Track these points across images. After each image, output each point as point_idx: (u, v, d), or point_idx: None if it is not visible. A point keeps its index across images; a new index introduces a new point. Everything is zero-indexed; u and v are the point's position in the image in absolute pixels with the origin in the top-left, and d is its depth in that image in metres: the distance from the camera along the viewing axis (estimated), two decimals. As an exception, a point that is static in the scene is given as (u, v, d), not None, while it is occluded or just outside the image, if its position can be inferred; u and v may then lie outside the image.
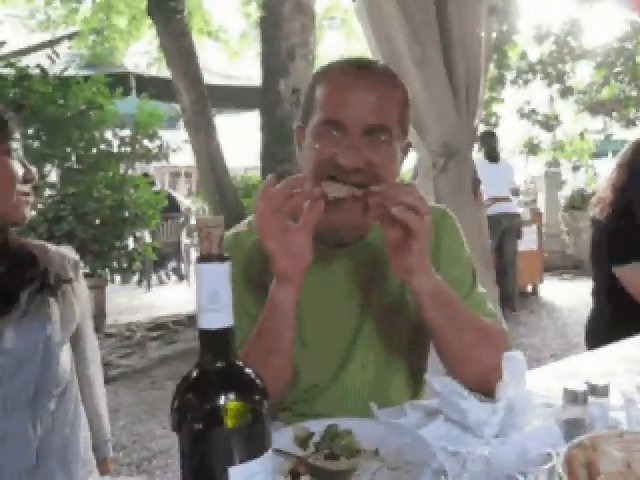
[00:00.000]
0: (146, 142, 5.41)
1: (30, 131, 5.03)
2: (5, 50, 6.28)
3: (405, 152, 1.10)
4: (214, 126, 4.80)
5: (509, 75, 8.60)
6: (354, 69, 1.05)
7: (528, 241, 6.25)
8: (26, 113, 4.74)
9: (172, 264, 7.89)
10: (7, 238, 1.07)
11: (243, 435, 0.51)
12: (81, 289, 1.18)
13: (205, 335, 0.52)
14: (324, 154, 1.01)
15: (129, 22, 7.29)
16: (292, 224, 0.95)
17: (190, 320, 5.56)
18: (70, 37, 7.88)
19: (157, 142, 5.39)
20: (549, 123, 9.04)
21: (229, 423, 0.51)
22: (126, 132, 5.33)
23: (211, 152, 4.74)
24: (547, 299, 6.38)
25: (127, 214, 5.04)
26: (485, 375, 1.01)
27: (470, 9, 2.72)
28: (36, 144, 5.07)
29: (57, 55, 5.26)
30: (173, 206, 7.00)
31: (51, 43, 7.65)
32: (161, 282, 7.80)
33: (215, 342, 0.52)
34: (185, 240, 7.89)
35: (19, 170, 1.09)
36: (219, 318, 0.52)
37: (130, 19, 7.24)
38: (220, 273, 0.51)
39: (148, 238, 6.44)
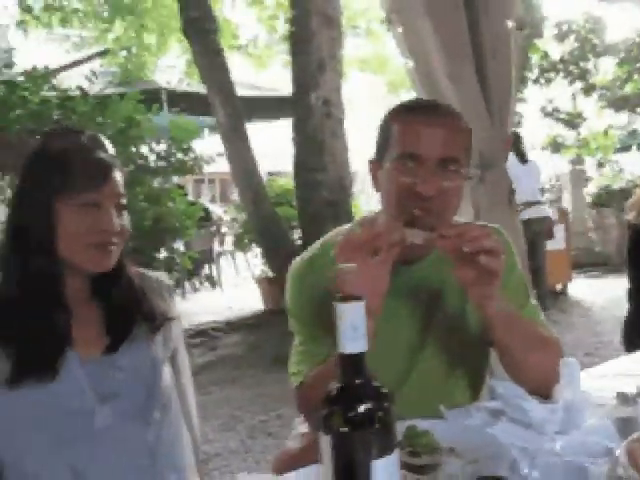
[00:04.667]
0: (180, 155, 5.60)
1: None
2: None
3: (466, 179, 1.24)
4: (248, 138, 4.98)
5: (531, 74, 8.65)
6: (425, 109, 1.21)
7: (556, 240, 6.31)
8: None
9: (205, 271, 8.11)
10: (122, 269, 1.23)
11: (380, 435, 0.66)
12: (176, 311, 1.34)
13: (346, 358, 0.67)
14: (403, 183, 1.15)
15: (157, 38, 7.52)
16: (372, 259, 1.09)
17: (228, 326, 5.74)
18: (101, 55, 8.15)
19: (191, 155, 5.58)
20: (573, 121, 9.07)
21: (369, 426, 0.66)
22: (162, 147, 5.53)
23: (246, 163, 4.92)
24: (577, 297, 6.44)
25: (166, 226, 5.24)
26: (545, 380, 1.14)
27: (500, 24, 2.84)
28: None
29: (95, 75, 5.49)
30: (205, 215, 7.22)
31: (83, 61, 7.92)
32: (195, 289, 8.02)
33: (354, 363, 0.67)
34: (217, 248, 8.09)
35: (109, 221, 1.13)
36: (358, 345, 0.66)
37: (158, 35, 7.47)
38: (358, 310, 0.66)
39: (182, 247, 6.65)
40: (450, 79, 2.72)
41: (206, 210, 7.29)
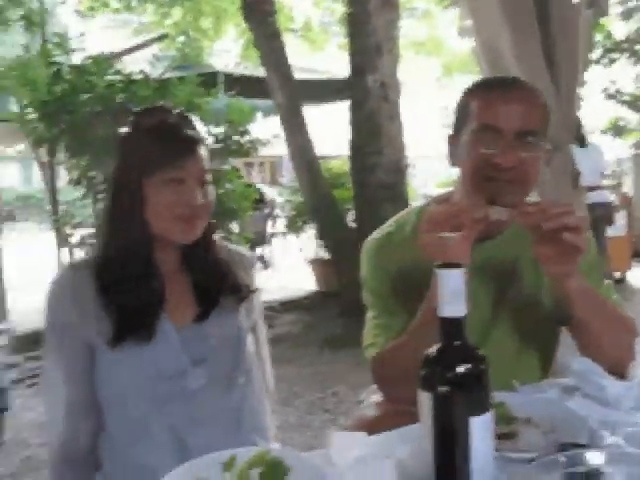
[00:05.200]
0: (237, 138, 5.70)
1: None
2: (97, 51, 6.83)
3: (545, 152, 1.25)
4: (305, 120, 5.03)
5: (594, 54, 8.36)
6: (503, 84, 1.24)
7: (616, 227, 6.13)
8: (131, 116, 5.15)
9: (258, 253, 8.26)
10: (209, 242, 1.30)
11: (477, 394, 0.70)
12: (257, 283, 1.41)
13: (446, 322, 0.71)
14: (482, 154, 1.18)
15: (213, 22, 7.66)
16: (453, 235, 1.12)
17: (282, 307, 5.85)
18: (158, 40, 8.33)
19: (248, 137, 5.68)
20: (636, 103, 8.73)
21: (468, 385, 0.70)
22: (220, 129, 5.64)
23: (303, 146, 4.98)
24: (637, 286, 6.26)
25: (223, 207, 5.36)
26: (621, 358, 1.16)
27: (569, 1, 2.78)
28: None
29: (157, 59, 5.65)
30: (260, 197, 7.35)
31: (142, 47, 8.13)
32: (248, 270, 8.16)
33: (454, 326, 0.71)
34: (270, 229, 8.23)
35: (193, 195, 1.20)
36: (458, 309, 0.71)
37: (214, 20, 7.60)
38: (459, 276, 0.70)
39: (237, 228, 6.80)
40: (516, 58, 2.69)
41: (261, 192, 7.41)
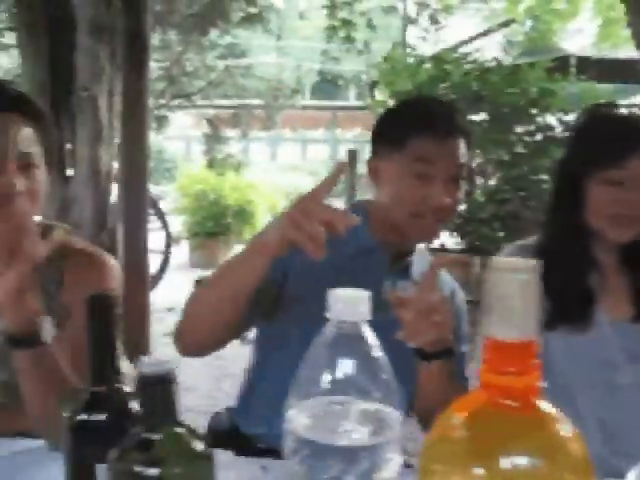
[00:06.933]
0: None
1: (478, 118, 5.57)
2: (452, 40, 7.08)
3: None
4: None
5: None
6: None
7: None
8: (483, 103, 5.27)
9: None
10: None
11: None
12: None
13: None
14: None
15: (568, 2, 7.20)
16: None
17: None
18: (505, 24, 8.22)
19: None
20: None
21: None
22: (570, 117, 5.32)
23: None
24: None
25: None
26: None
27: None
28: (478, 130, 5.55)
29: (511, 45, 5.61)
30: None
31: (489, 32, 8.16)
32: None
33: None
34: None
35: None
36: None
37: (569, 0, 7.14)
38: None
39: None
40: None
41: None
